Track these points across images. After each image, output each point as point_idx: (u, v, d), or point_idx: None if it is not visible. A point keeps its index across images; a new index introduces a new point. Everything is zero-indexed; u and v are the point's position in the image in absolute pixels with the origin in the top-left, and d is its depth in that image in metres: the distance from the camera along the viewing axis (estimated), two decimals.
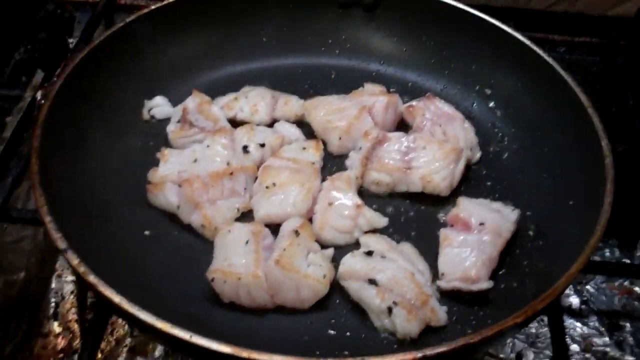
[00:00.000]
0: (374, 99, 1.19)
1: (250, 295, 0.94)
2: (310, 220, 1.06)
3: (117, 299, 0.81)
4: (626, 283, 1.39)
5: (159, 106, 1.22)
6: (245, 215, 1.07)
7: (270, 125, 1.22)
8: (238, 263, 0.95)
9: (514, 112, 1.23)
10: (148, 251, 1.02)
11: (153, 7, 1.20)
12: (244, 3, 1.28)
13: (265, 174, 1.09)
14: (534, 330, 1.33)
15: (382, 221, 1.08)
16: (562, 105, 1.13)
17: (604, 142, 1.03)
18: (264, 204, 1.06)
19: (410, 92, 1.29)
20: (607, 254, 1.46)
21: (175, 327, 0.79)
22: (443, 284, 0.99)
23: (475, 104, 1.27)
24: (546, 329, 1.33)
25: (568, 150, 1.11)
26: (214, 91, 1.24)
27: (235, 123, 1.19)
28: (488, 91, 1.26)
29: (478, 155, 1.17)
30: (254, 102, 1.21)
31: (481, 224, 1.02)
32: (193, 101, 1.20)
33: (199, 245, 1.03)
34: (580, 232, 0.95)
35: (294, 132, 1.20)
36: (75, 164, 1.04)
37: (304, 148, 1.15)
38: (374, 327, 0.96)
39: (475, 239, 1.01)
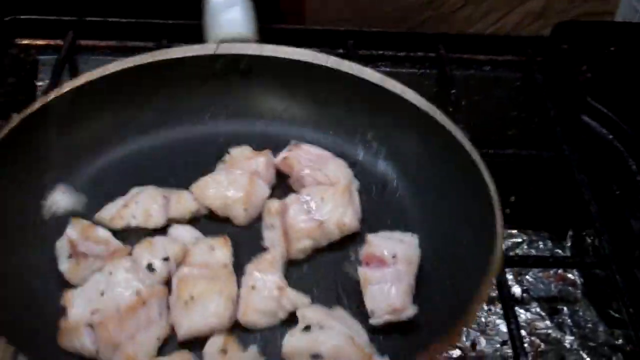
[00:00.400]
0: (253, 162, 1.20)
1: None
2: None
3: None
4: (560, 271, 1.52)
5: (60, 199, 1.17)
6: (168, 341, 1.02)
7: (165, 228, 1.16)
8: None
9: (397, 152, 1.25)
10: None
11: (35, 106, 1.18)
12: (132, 86, 1.27)
13: (181, 288, 1.05)
14: (483, 320, 1.45)
15: (305, 301, 1.06)
16: (443, 146, 1.16)
17: (492, 188, 1.05)
18: (185, 321, 1.02)
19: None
20: (541, 245, 1.59)
21: None
22: (374, 320, 1.02)
23: (359, 148, 1.28)
24: (494, 317, 1.46)
25: (454, 191, 1.14)
26: (116, 170, 1.24)
27: (129, 230, 1.14)
28: (369, 135, 1.28)
29: (357, 183, 1.20)
30: (145, 206, 1.15)
31: (394, 256, 1.05)
32: (74, 230, 1.11)
33: None
34: (477, 263, 0.99)
35: (192, 233, 1.15)
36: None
37: (213, 248, 1.10)
38: None
39: (391, 271, 1.04)
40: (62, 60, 1.40)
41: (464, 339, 1.42)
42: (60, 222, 1.13)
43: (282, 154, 1.23)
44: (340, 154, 1.26)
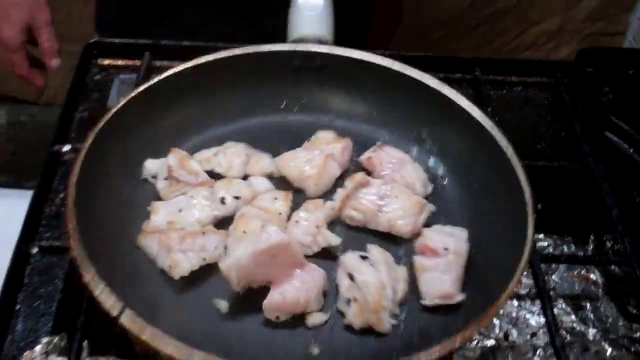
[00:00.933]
0: (332, 147, 1.36)
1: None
2: None
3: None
4: (583, 272, 1.66)
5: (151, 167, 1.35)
6: (210, 266, 1.20)
7: (245, 178, 1.35)
8: None
9: (447, 151, 1.40)
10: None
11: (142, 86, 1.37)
12: (217, 79, 1.44)
13: (239, 222, 1.22)
14: (514, 314, 1.60)
15: (336, 240, 1.23)
16: (488, 148, 1.31)
17: (526, 188, 1.21)
18: (231, 253, 1.16)
19: (359, 140, 1.44)
20: (565, 249, 1.73)
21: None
22: (426, 302, 1.18)
23: (414, 144, 1.44)
24: (524, 312, 1.61)
25: (495, 186, 1.29)
26: (198, 150, 1.41)
27: (213, 175, 1.34)
28: (424, 134, 1.43)
29: (430, 188, 1.35)
30: (230, 159, 1.35)
31: (445, 248, 1.20)
32: (174, 159, 1.32)
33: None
34: (510, 252, 1.14)
35: (265, 184, 1.34)
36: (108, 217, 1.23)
37: (275, 198, 1.29)
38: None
39: (444, 261, 1.19)
40: (140, 79, 1.55)
41: (497, 330, 1.57)
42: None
43: (367, 154, 1.39)
44: (395, 146, 1.42)
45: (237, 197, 1.29)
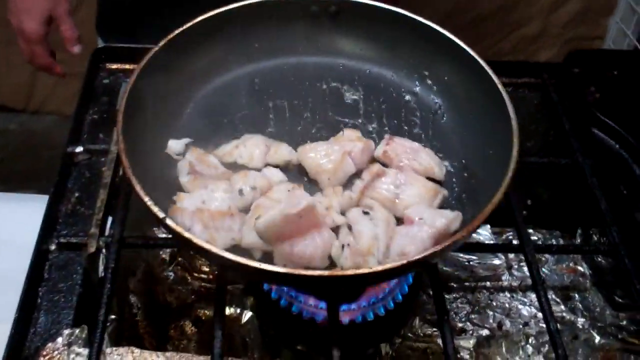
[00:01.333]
0: (352, 145, 1.41)
1: None
2: None
3: (206, 246, 1.13)
4: (571, 264, 1.76)
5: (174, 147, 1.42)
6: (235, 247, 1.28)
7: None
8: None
9: (446, 87, 1.53)
10: None
11: (177, 31, 1.48)
12: (237, 25, 1.57)
13: (254, 210, 1.29)
14: (507, 305, 1.68)
15: (342, 220, 1.29)
16: (481, 83, 1.42)
17: (511, 109, 1.34)
18: (248, 233, 1.26)
19: (367, 80, 1.59)
20: (554, 242, 1.82)
21: (250, 260, 1.13)
22: (388, 261, 1.23)
23: (417, 83, 1.57)
24: (516, 302, 1.69)
25: (485, 114, 1.41)
26: (232, 89, 1.55)
27: (236, 166, 1.42)
28: (426, 73, 1.55)
29: (444, 169, 1.42)
30: (250, 150, 1.42)
31: (420, 218, 1.26)
32: (192, 156, 1.40)
33: None
34: (499, 172, 1.25)
35: (278, 175, 1.40)
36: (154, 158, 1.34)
37: (289, 190, 1.34)
38: None
39: (414, 230, 1.25)
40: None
41: (491, 320, 1.65)
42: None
43: (381, 148, 1.45)
44: (400, 85, 1.57)
45: (254, 188, 1.35)
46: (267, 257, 1.25)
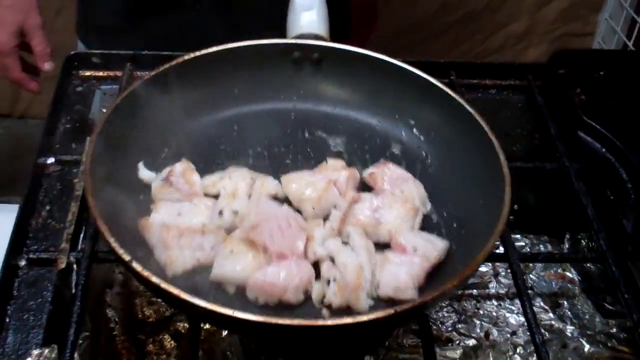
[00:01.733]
0: (337, 174, 1.38)
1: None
2: None
3: (175, 291, 1.06)
4: (560, 270, 1.72)
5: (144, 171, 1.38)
6: (203, 267, 1.24)
7: None
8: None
9: (433, 136, 1.47)
10: None
11: (146, 77, 1.42)
12: (219, 69, 1.51)
13: (229, 242, 1.25)
14: (495, 314, 1.64)
15: (321, 251, 1.24)
16: (470, 131, 1.37)
17: (502, 157, 1.28)
18: (219, 265, 1.22)
19: (352, 126, 1.53)
20: (542, 248, 1.80)
21: (222, 308, 1.04)
22: (380, 292, 1.21)
23: (403, 132, 1.51)
24: (503, 311, 1.66)
25: (476, 164, 1.35)
26: (209, 131, 1.49)
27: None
28: (412, 122, 1.50)
29: (429, 206, 1.38)
30: (235, 182, 1.37)
31: (415, 249, 1.24)
32: (181, 166, 1.37)
33: None
34: (491, 222, 1.19)
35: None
36: (118, 201, 1.26)
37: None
38: None
39: (407, 259, 1.23)
40: (122, 90, 1.54)
41: (478, 330, 1.61)
42: None
43: (370, 169, 1.43)
44: (386, 134, 1.52)
45: (235, 212, 1.31)
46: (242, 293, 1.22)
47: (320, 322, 1.10)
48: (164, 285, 1.09)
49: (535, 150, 1.73)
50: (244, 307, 1.19)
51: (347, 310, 1.20)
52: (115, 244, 1.13)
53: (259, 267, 1.22)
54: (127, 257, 1.12)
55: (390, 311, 1.07)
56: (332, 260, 1.24)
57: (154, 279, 1.10)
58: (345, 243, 1.27)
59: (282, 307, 1.21)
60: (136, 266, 1.11)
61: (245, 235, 1.23)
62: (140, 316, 1.58)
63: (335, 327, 1.07)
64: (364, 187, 1.41)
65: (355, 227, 1.31)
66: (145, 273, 1.10)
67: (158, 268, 1.21)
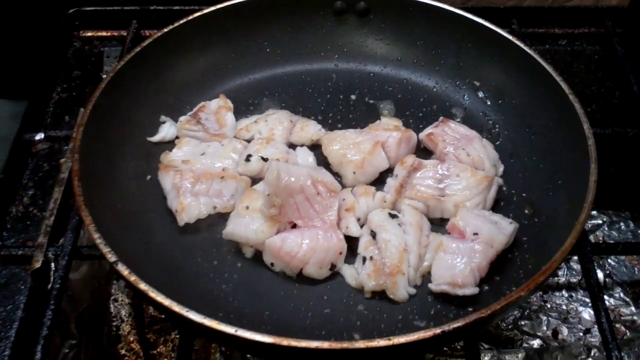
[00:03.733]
0: (388, 134, 1.20)
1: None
2: None
3: (167, 302, 0.89)
4: None
5: (165, 131, 1.25)
6: (221, 216, 1.11)
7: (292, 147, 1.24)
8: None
9: (502, 101, 1.29)
10: (187, 254, 1.09)
11: (165, 30, 1.26)
12: (245, 23, 1.34)
13: (245, 196, 1.11)
14: (565, 307, 1.41)
15: (356, 232, 1.10)
16: (545, 93, 1.20)
17: (586, 125, 1.09)
18: (232, 223, 1.09)
19: (405, 89, 1.36)
20: (622, 226, 1.54)
21: (222, 324, 0.87)
22: (433, 286, 1.03)
23: (466, 96, 1.33)
24: (575, 304, 1.42)
25: (554, 134, 1.18)
26: (234, 99, 1.31)
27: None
28: (477, 83, 1.32)
29: (501, 169, 1.20)
30: (272, 125, 1.24)
31: (475, 233, 1.05)
32: (216, 103, 1.26)
33: (229, 245, 1.10)
34: (571, 208, 1.02)
35: (308, 159, 1.21)
36: (112, 182, 1.11)
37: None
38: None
39: (467, 247, 1.05)
40: (128, 51, 1.36)
41: (545, 327, 1.37)
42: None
43: (428, 130, 1.24)
44: (445, 97, 1.34)
45: (264, 159, 1.17)
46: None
47: (344, 345, 0.87)
48: (152, 293, 0.91)
49: (615, 112, 1.49)
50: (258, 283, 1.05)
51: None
52: (100, 241, 0.96)
53: (278, 228, 1.07)
54: (112, 258, 0.94)
55: (437, 330, 0.87)
56: (374, 235, 1.06)
57: (142, 286, 0.92)
58: (393, 216, 1.09)
59: (303, 279, 1.06)
60: (122, 269, 0.93)
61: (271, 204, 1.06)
62: (151, 311, 1.39)
63: (364, 350, 0.87)
64: (422, 154, 1.22)
65: (414, 201, 1.12)
66: (132, 278, 0.93)
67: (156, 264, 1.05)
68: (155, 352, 1.34)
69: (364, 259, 1.04)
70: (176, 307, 0.89)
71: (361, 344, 0.86)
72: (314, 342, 0.86)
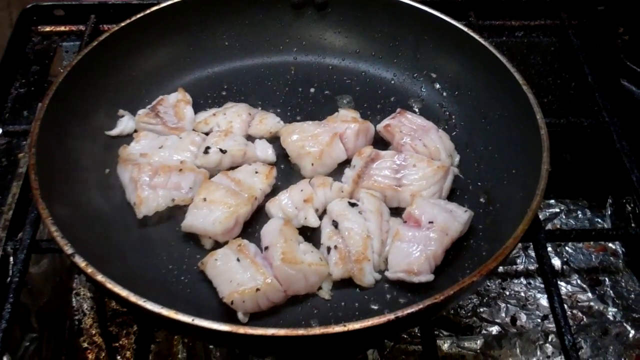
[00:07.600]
0: (346, 126, 1.21)
1: (268, 299, 1.00)
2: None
3: (124, 293, 0.90)
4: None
5: (123, 124, 1.25)
6: (180, 209, 1.12)
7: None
8: (245, 279, 0.99)
9: (458, 92, 1.30)
10: (146, 247, 1.09)
11: (123, 24, 1.26)
12: (204, 16, 1.35)
13: (203, 188, 1.12)
14: (523, 294, 1.43)
15: (315, 222, 1.11)
16: (500, 84, 1.21)
17: (539, 115, 1.10)
18: (190, 215, 1.09)
19: (364, 81, 1.37)
20: (580, 215, 1.56)
21: (179, 313, 0.87)
22: (389, 274, 1.05)
23: (423, 88, 1.34)
24: (534, 291, 1.44)
25: (508, 125, 1.19)
26: (191, 93, 1.31)
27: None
28: (434, 75, 1.33)
29: (457, 159, 1.22)
30: (230, 118, 1.24)
31: (430, 222, 1.06)
32: (175, 97, 1.26)
33: (188, 237, 1.10)
34: (524, 196, 1.04)
35: (267, 152, 1.22)
36: (70, 176, 1.11)
37: (257, 172, 1.17)
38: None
39: (423, 235, 1.06)
40: (86, 46, 1.35)
41: (503, 314, 1.39)
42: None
43: (385, 121, 1.25)
44: (403, 90, 1.35)
45: (223, 151, 1.17)
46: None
47: (299, 332, 0.88)
48: (110, 284, 0.91)
49: (570, 102, 1.51)
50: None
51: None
52: (57, 234, 0.95)
53: (234, 218, 1.08)
54: (69, 250, 0.94)
55: (391, 316, 0.88)
56: (335, 225, 1.08)
57: (100, 277, 0.92)
58: (353, 205, 1.10)
59: None
60: (79, 261, 0.93)
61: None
62: (113, 305, 1.39)
63: (320, 337, 0.88)
64: (379, 145, 1.23)
65: (371, 191, 1.13)
66: (90, 270, 0.93)
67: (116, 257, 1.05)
68: (117, 344, 1.34)
69: (329, 249, 1.05)
70: (133, 298, 0.89)
71: (317, 331, 0.88)
72: (270, 330, 0.87)
